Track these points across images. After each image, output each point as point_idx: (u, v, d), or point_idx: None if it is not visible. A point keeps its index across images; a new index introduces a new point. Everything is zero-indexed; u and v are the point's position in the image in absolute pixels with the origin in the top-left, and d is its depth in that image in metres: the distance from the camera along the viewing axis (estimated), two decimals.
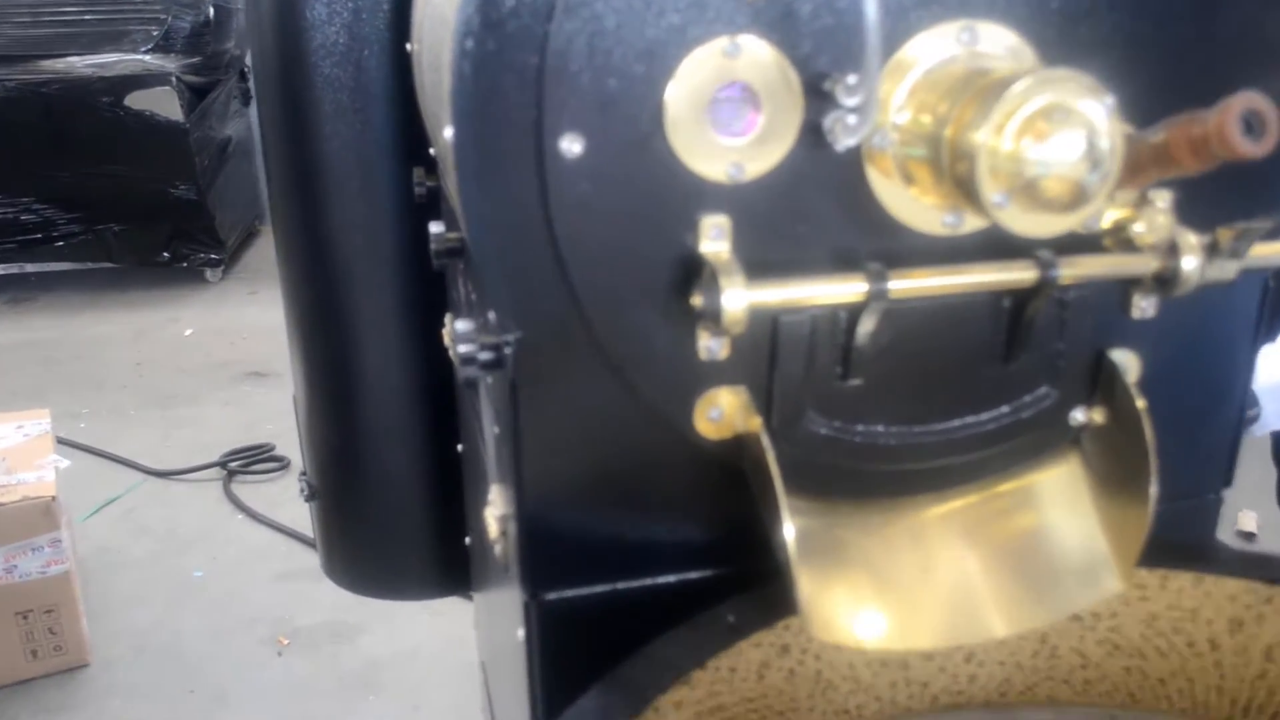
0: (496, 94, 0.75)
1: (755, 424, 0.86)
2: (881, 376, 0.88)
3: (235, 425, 4.28)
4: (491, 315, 0.83)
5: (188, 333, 5.25)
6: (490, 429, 1.05)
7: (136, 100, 5.10)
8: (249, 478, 3.92)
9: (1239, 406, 1.06)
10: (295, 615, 3.15)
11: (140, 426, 4.33)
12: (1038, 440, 0.96)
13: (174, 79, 5.14)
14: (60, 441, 3.50)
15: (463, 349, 0.83)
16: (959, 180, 0.74)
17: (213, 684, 2.89)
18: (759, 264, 0.80)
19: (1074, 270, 0.85)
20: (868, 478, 0.92)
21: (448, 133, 0.77)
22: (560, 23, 0.74)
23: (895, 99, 0.80)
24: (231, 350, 4.97)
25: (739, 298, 0.76)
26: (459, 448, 1.66)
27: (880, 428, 0.91)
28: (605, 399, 0.85)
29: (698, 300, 0.80)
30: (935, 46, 0.80)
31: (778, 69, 0.77)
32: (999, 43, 0.81)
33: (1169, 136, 0.74)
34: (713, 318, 0.78)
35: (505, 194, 0.77)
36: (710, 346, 0.83)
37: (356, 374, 1.81)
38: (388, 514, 1.92)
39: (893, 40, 0.78)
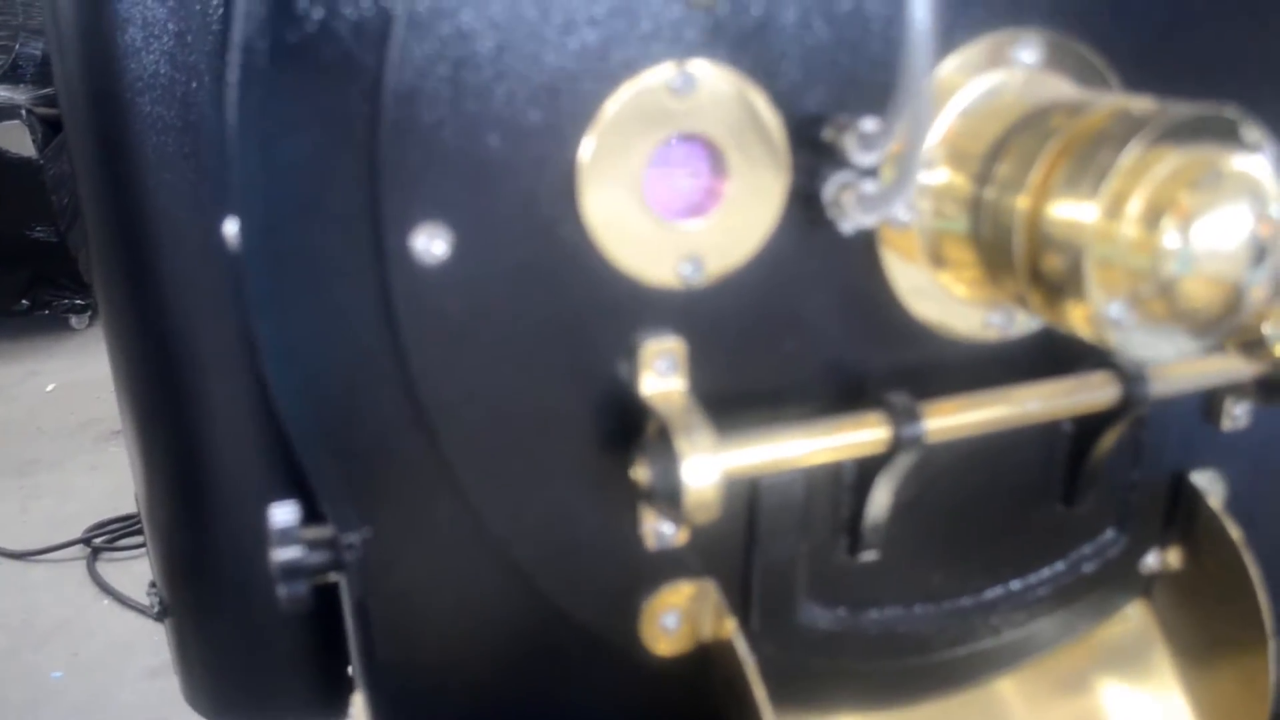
0: (301, 165, 0.46)
1: (728, 628, 0.58)
2: (901, 542, 0.62)
3: (102, 492, 3.86)
4: (325, 504, 0.54)
5: (50, 388, 4.79)
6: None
7: None
8: (116, 554, 3.51)
9: None
10: (169, 719, 2.77)
11: None
12: (1099, 599, 0.71)
13: (24, 111, 4.71)
14: None
15: (282, 556, 0.54)
16: (1043, 278, 0.48)
17: None
18: (729, 399, 0.53)
19: (1168, 384, 0.59)
20: (884, 677, 0.65)
21: (228, 227, 0.48)
22: (404, 45, 0.45)
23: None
24: (98, 405, 4.53)
25: (706, 470, 0.48)
26: None
27: (900, 610, 0.64)
28: (503, 608, 0.57)
29: (641, 473, 0.52)
30: (976, 70, 0.54)
31: (749, 111, 0.50)
32: (1066, 61, 0.55)
33: None
34: (667, 499, 0.50)
35: (325, 322, 0.48)
36: (661, 531, 0.55)
37: (208, 471, 1.50)
38: (253, 631, 1.63)
39: None
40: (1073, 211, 0.46)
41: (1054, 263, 0.47)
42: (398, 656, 0.58)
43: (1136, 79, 0.55)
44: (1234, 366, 0.61)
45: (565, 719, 0.62)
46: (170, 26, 1.30)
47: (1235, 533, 0.69)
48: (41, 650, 3.08)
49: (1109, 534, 0.69)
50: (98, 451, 4.21)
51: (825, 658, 0.62)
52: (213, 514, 1.61)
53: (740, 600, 0.59)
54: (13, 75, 4.77)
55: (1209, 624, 0.72)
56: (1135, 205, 0.44)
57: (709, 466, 0.49)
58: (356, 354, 0.49)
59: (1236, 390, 0.66)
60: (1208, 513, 0.70)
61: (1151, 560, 0.71)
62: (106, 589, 3.34)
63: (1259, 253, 0.45)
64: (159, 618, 1.80)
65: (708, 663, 0.60)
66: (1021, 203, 0.48)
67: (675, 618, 0.58)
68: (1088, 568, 0.69)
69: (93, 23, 1.29)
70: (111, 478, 3.95)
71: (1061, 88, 0.54)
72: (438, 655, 0.58)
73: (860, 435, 0.53)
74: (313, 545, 0.55)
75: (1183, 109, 0.45)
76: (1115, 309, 0.45)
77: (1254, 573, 0.68)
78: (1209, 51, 0.57)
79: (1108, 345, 0.47)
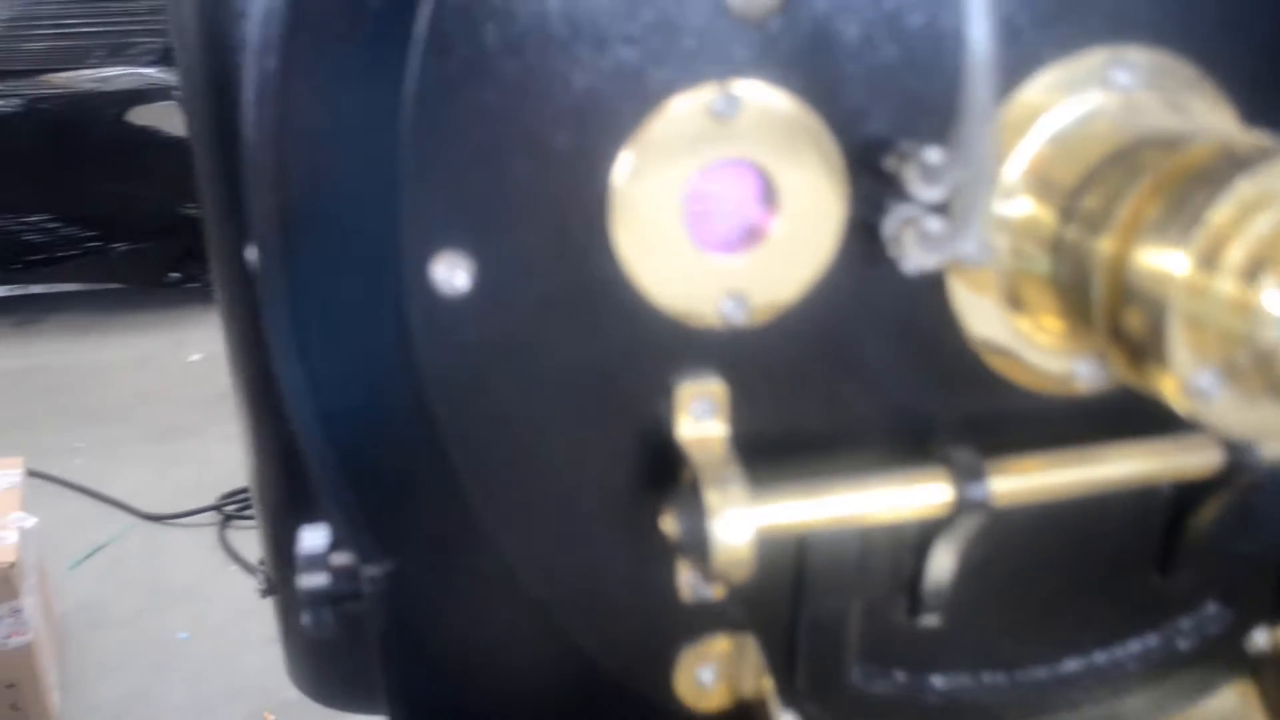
0: (319, 187, 0.44)
1: (767, 686, 0.54)
2: (968, 604, 0.56)
3: (237, 461, 3.98)
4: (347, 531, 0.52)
5: (194, 358, 4.99)
6: None
7: (139, 115, 4.86)
8: (246, 523, 3.64)
9: None
10: (284, 686, 2.84)
11: (136, 463, 4.07)
12: (1196, 678, 0.64)
13: (177, 93, 4.91)
14: (51, 480, 3.39)
15: (308, 583, 0.52)
16: (1122, 335, 0.42)
17: None
18: (776, 447, 0.49)
19: None
20: None
21: (250, 253, 0.46)
22: (424, 61, 0.42)
23: (1003, 178, 0.48)
24: None
25: (738, 527, 0.45)
26: None
27: (967, 678, 0.59)
28: (531, 653, 0.54)
29: (670, 524, 0.48)
30: (1067, 92, 0.48)
31: (804, 136, 0.46)
32: (1174, 87, 0.49)
33: None
34: (696, 554, 0.46)
35: (344, 355, 0.46)
36: (696, 584, 0.52)
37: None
38: (351, 619, 1.65)
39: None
40: (1160, 260, 0.40)
41: (1136, 319, 0.41)
42: (421, 693, 0.55)
43: (1255, 109, 0.48)
44: None
45: None
46: None
47: None
48: (171, 612, 3.21)
49: (1211, 608, 0.62)
50: (234, 422, 4.38)
51: None
52: (317, 499, 1.62)
53: (783, 658, 0.55)
54: (167, 59, 4.98)
55: None
56: (1233, 257, 0.38)
57: (741, 523, 0.45)
58: (377, 388, 0.47)
59: None
60: None
61: (1260, 639, 0.64)
62: (235, 556, 3.47)
63: None
64: (264, 595, 1.84)
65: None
66: (1103, 246, 0.42)
67: (712, 673, 0.55)
68: (1183, 643, 0.62)
69: (211, 14, 1.31)
70: None
71: (1164, 116, 0.47)
72: (462, 696, 0.56)
73: (916, 495, 0.49)
74: (339, 574, 0.53)
75: None
76: (1205, 379, 0.40)
77: None
78: None
79: (1196, 420, 0.41)
